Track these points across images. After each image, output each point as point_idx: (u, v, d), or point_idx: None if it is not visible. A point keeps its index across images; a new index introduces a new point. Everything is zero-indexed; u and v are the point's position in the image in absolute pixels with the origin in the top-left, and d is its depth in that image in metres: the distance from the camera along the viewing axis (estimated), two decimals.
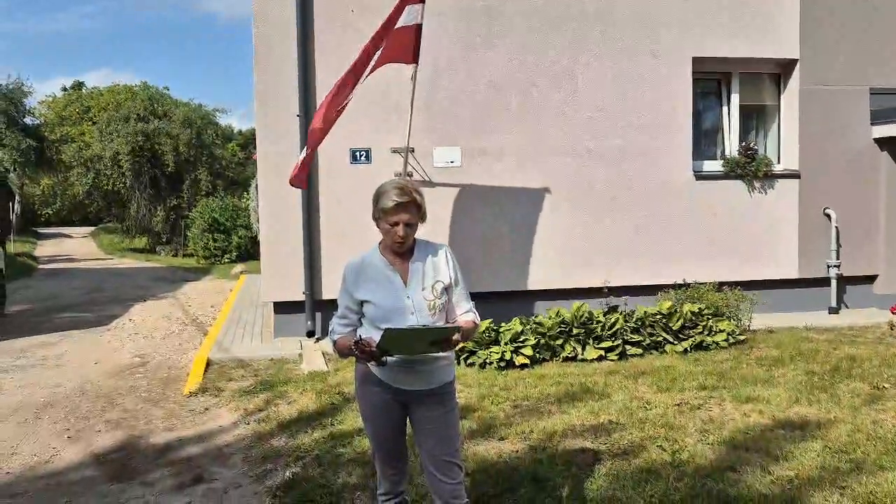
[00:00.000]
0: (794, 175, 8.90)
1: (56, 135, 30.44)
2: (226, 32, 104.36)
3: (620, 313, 7.16)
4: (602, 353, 6.79)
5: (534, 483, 3.97)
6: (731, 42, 8.59)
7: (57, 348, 8.38)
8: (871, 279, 9.26)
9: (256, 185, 10.52)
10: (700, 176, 8.72)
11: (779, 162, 9.13)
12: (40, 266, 20.70)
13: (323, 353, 7.20)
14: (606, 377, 6.14)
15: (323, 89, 7.62)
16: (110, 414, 5.72)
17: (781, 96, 9.13)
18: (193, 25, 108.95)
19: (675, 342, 7.03)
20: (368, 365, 2.79)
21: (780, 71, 9.06)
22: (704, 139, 9.19)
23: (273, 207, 7.86)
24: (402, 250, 2.82)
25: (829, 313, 8.89)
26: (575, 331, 6.88)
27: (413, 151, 7.74)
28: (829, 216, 8.90)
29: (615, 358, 6.78)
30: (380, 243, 2.87)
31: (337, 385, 6.08)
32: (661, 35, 8.43)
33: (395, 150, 7.79)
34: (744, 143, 8.89)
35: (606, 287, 8.08)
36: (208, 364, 7.07)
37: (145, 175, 24.49)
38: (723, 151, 9.11)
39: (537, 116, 8.21)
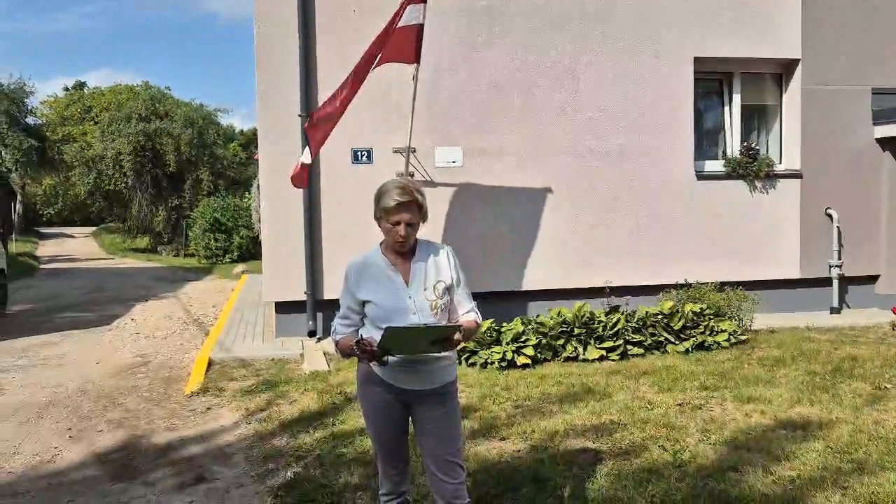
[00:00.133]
0: (795, 175, 8.89)
1: (58, 135, 30.51)
2: (226, 32, 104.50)
3: (622, 313, 7.15)
4: (603, 353, 6.79)
5: (535, 483, 3.96)
6: (731, 42, 8.59)
7: (58, 348, 8.39)
8: (872, 279, 9.25)
9: (258, 184, 10.53)
10: (701, 176, 8.71)
11: (780, 162, 9.13)
12: (42, 266, 20.73)
13: (324, 353, 7.20)
14: (608, 377, 6.13)
15: (324, 89, 7.63)
16: (112, 414, 5.72)
17: (783, 96, 9.12)
18: (194, 25, 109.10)
19: (677, 342, 7.03)
20: (370, 365, 2.79)
21: (782, 71, 9.05)
22: (706, 139, 9.19)
23: (274, 207, 7.87)
24: (404, 250, 2.82)
25: (831, 313, 8.88)
26: (576, 331, 6.88)
27: (415, 151, 7.74)
28: (830, 216, 8.89)
29: (617, 358, 6.78)
30: (381, 243, 2.87)
31: (338, 385, 6.08)
32: (662, 35, 8.43)
33: (396, 150, 7.79)
34: (745, 143, 8.88)
35: (608, 287, 8.08)
36: (210, 364, 7.08)
37: (147, 175, 24.52)
38: (724, 151, 9.11)
39: (538, 116, 8.21)
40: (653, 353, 6.95)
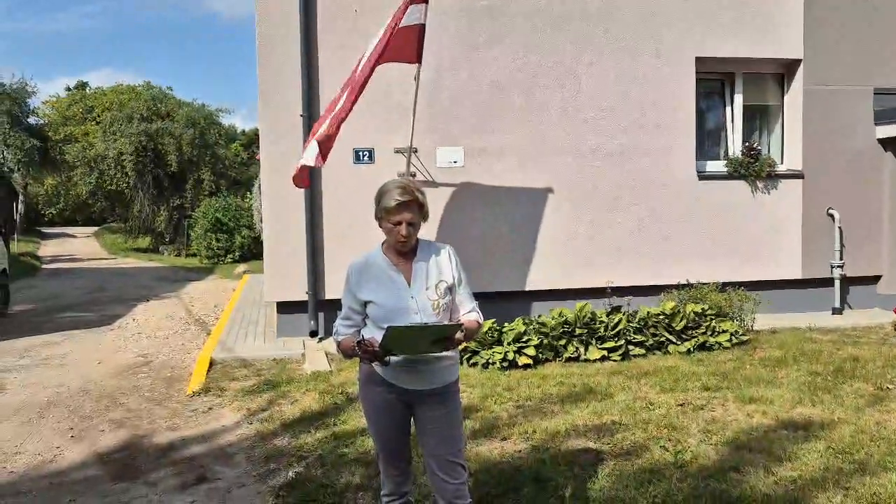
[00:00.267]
0: (797, 175, 8.89)
1: (60, 135, 30.55)
2: (227, 32, 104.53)
3: (623, 313, 7.15)
4: (605, 353, 6.79)
5: (536, 483, 3.96)
6: (732, 42, 8.58)
7: (60, 348, 8.39)
8: (874, 279, 9.24)
9: (259, 184, 10.54)
10: (703, 176, 8.71)
11: (782, 162, 9.11)
12: (44, 266, 20.76)
13: (326, 353, 7.20)
14: (609, 377, 6.13)
15: (326, 89, 7.64)
16: (113, 413, 5.73)
17: (784, 96, 9.11)
18: (194, 25, 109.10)
19: (678, 342, 7.02)
20: (372, 365, 2.79)
21: (783, 71, 9.05)
22: (707, 139, 9.18)
23: (276, 207, 7.87)
24: (406, 250, 2.82)
25: (833, 314, 8.87)
26: (578, 331, 6.88)
27: (416, 151, 7.74)
28: (832, 216, 8.88)
29: (618, 358, 6.78)
30: (383, 243, 2.87)
31: (340, 385, 6.08)
32: (664, 35, 8.43)
33: (398, 151, 7.79)
34: (747, 144, 8.87)
35: (609, 287, 8.07)
36: (211, 364, 7.08)
37: (148, 175, 24.56)
38: (726, 151, 9.10)
39: (540, 116, 8.21)
40: (654, 354, 6.95)
